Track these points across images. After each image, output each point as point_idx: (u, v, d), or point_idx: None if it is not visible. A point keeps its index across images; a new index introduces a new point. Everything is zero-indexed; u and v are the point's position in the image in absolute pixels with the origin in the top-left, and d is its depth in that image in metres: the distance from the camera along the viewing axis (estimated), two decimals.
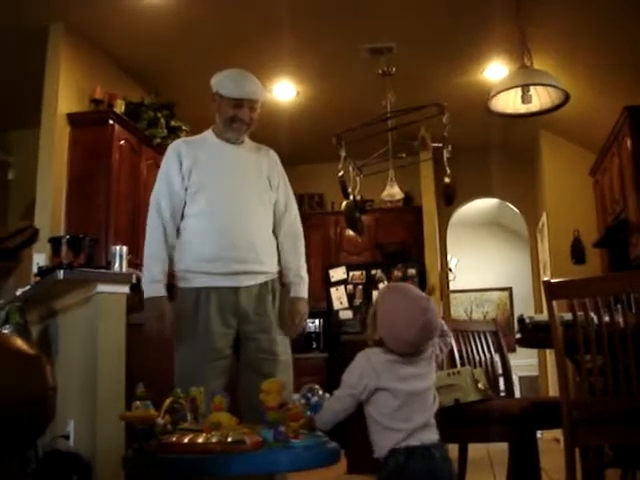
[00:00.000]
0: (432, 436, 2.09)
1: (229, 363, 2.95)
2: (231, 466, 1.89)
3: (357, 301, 8.09)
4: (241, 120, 3.01)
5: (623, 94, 5.79)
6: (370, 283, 8.05)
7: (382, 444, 2.09)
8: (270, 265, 3.06)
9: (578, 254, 7.35)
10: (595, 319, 2.97)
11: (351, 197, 5.63)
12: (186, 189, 3.00)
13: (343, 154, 5.35)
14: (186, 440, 1.97)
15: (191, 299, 2.92)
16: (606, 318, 2.93)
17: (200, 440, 1.96)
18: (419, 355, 2.14)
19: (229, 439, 1.92)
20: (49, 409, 2.41)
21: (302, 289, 3.15)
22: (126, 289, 3.58)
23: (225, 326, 2.91)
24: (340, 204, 5.84)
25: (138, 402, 2.08)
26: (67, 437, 3.63)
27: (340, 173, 5.43)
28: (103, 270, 3.81)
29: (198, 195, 2.98)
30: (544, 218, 8.03)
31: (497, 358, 4.26)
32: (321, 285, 8.48)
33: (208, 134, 3.12)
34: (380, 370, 2.08)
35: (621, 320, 2.94)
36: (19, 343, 2.42)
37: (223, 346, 2.91)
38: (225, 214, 2.95)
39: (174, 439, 2.00)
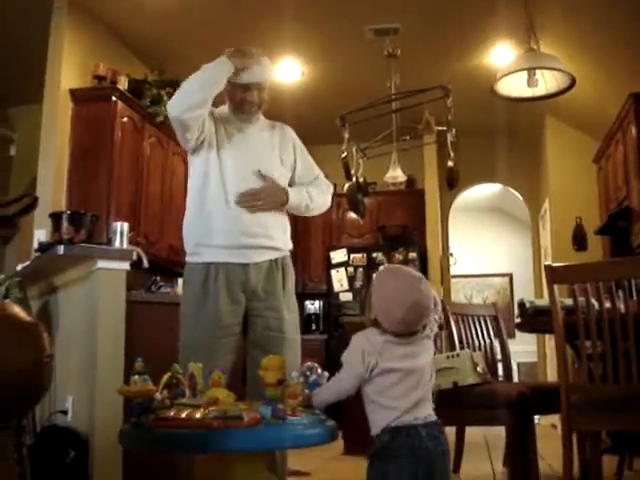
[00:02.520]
0: (426, 412, 2.10)
1: (238, 340, 2.94)
2: (228, 442, 1.89)
3: (357, 284, 8.10)
4: (251, 103, 3.02)
5: (629, 81, 5.76)
6: (371, 266, 8.05)
7: (377, 422, 2.10)
8: (280, 242, 3.03)
9: (580, 241, 7.35)
10: (596, 305, 2.96)
11: (354, 179, 5.61)
12: (201, 140, 2.97)
13: (347, 135, 5.31)
14: (183, 415, 1.97)
15: (200, 275, 2.90)
16: (607, 304, 2.93)
17: (198, 415, 1.95)
18: (414, 335, 2.14)
19: (227, 415, 1.92)
20: (45, 376, 2.41)
21: (292, 190, 3.08)
22: (126, 266, 3.58)
23: (234, 303, 2.90)
24: (343, 186, 5.80)
25: (136, 377, 2.08)
26: (65, 412, 3.64)
27: (343, 155, 5.40)
28: (104, 246, 3.80)
29: (209, 168, 2.97)
30: (547, 204, 8.02)
31: (496, 343, 4.26)
32: (322, 267, 8.50)
33: (226, 110, 3.10)
34: (381, 349, 2.08)
35: (622, 306, 2.94)
36: (16, 310, 2.41)
37: (232, 323, 2.89)
38: (234, 190, 2.93)
39: (171, 414, 2.00)
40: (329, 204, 3.29)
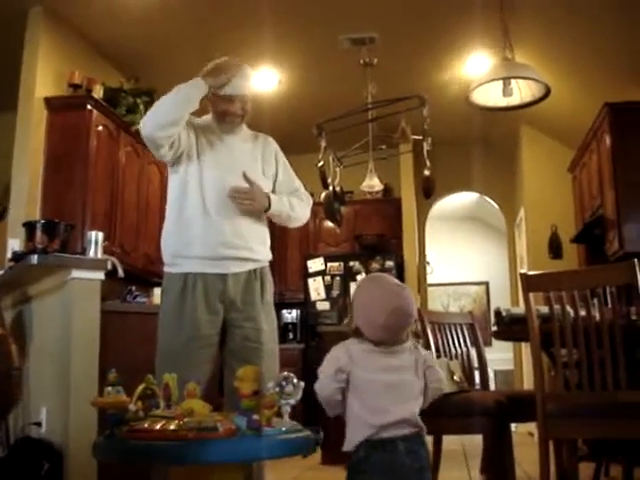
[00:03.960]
0: (408, 430, 2.07)
1: (216, 350, 2.92)
2: (203, 453, 1.87)
3: (334, 292, 8.09)
4: (233, 114, 3.00)
5: (603, 91, 5.82)
6: (348, 275, 8.05)
7: (352, 437, 2.07)
8: (260, 253, 3.01)
9: (555, 249, 7.39)
10: (571, 313, 2.98)
11: (330, 188, 5.61)
12: (179, 153, 2.95)
13: (323, 144, 5.32)
14: (158, 427, 1.95)
15: (178, 284, 2.89)
16: (582, 312, 2.95)
17: (172, 427, 1.93)
18: (397, 344, 2.12)
19: (201, 426, 1.90)
20: (14, 389, 2.38)
21: (274, 197, 3.05)
22: (101, 275, 3.55)
23: (212, 313, 2.88)
24: (319, 195, 5.80)
25: (110, 388, 2.06)
26: (39, 424, 3.60)
27: (320, 163, 5.41)
28: (78, 256, 3.76)
29: (188, 178, 2.95)
30: (522, 213, 8.07)
31: (473, 351, 4.26)
32: (299, 276, 8.49)
33: (208, 119, 3.09)
34: (357, 358, 2.07)
35: (597, 314, 2.96)
36: None
37: (210, 333, 2.87)
38: (213, 200, 2.92)
39: (146, 425, 1.98)
40: (308, 216, 3.28)
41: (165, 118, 2.82)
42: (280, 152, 3.23)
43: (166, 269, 2.99)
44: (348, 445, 2.08)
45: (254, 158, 3.09)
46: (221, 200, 2.92)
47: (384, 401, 2.05)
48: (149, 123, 2.85)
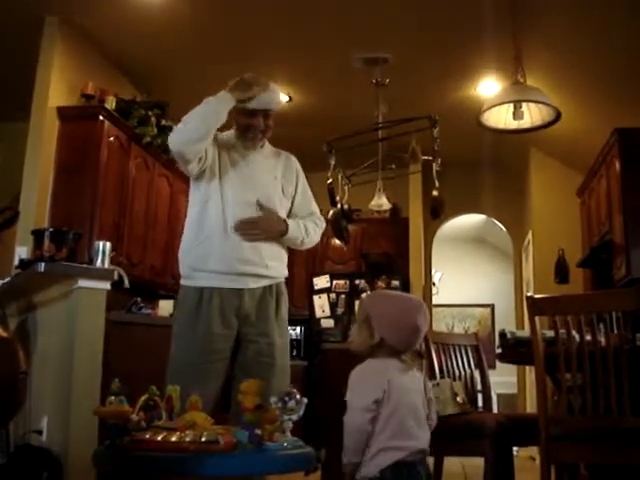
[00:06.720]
0: (421, 454, 2.07)
1: (228, 364, 2.92)
2: (203, 466, 1.87)
3: (339, 310, 8.08)
4: (255, 129, 3.01)
5: (613, 116, 5.82)
6: (353, 293, 8.04)
7: (379, 462, 2.05)
8: (276, 270, 3.03)
9: (562, 273, 7.37)
10: (577, 337, 2.97)
11: (339, 206, 5.62)
12: (204, 168, 2.96)
13: (333, 162, 5.34)
14: (159, 438, 1.95)
15: (194, 298, 2.90)
16: (588, 336, 2.94)
17: (173, 439, 1.93)
18: (412, 361, 2.12)
19: (203, 439, 1.90)
20: (19, 392, 2.37)
21: (292, 223, 3.06)
22: (107, 285, 3.55)
23: (226, 328, 2.88)
24: (327, 212, 5.81)
25: (112, 397, 2.06)
26: (40, 432, 3.59)
27: (329, 181, 5.42)
28: (85, 265, 3.77)
29: (210, 193, 2.97)
30: (530, 236, 8.06)
31: (477, 373, 4.24)
32: (304, 292, 8.47)
33: (231, 135, 3.10)
34: (393, 379, 2.06)
35: (602, 339, 2.95)
36: None
37: (223, 347, 2.88)
38: (233, 216, 2.92)
39: (147, 436, 1.98)
40: (318, 240, 3.29)
41: (194, 134, 2.83)
42: (301, 172, 3.25)
43: (182, 282, 3.00)
44: (372, 470, 2.05)
45: (274, 175, 3.10)
46: (240, 217, 2.93)
47: (411, 424, 2.05)
48: (178, 139, 2.85)
